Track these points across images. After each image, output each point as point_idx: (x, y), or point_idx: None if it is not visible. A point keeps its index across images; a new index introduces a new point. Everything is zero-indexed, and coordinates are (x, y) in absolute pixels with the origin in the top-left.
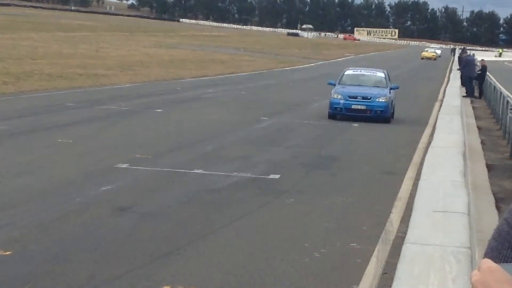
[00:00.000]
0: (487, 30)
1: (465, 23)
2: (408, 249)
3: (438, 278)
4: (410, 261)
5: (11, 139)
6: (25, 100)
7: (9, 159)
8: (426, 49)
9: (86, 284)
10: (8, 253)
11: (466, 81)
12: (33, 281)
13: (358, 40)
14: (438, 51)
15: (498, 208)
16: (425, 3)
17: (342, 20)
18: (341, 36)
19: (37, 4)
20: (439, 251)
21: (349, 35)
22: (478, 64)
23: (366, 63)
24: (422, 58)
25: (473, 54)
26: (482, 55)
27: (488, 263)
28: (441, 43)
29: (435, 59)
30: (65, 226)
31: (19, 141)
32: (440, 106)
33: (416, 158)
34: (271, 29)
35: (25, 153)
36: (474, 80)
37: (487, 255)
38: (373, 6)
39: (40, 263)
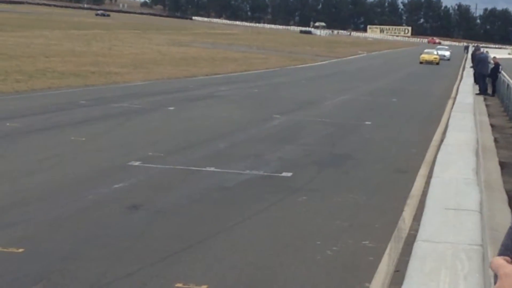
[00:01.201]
0: (501, 27)
1: (478, 21)
2: (419, 247)
3: (450, 276)
4: (421, 258)
5: (24, 137)
6: (38, 98)
7: (22, 157)
8: (426, 50)
9: (99, 281)
10: (20, 250)
11: (479, 78)
12: (45, 279)
13: (439, 42)
14: (447, 53)
15: (511, 206)
16: (438, 1)
17: (355, 17)
18: (354, 35)
19: (50, 2)
20: (451, 249)
21: (432, 39)
22: (491, 61)
23: (380, 60)
24: (421, 62)
25: (487, 52)
26: (495, 52)
27: (504, 269)
28: (454, 41)
29: (437, 63)
30: (78, 223)
31: (32, 139)
32: (453, 103)
33: (429, 156)
34: (283, 26)
35: (38, 151)
36: (487, 78)
37: (501, 254)
38: (386, 4)
39: (52, 260)
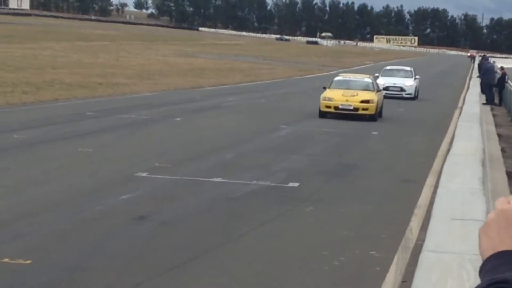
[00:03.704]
0: (507, 37)
1: (485, 30)
2: (426, 257)
3: (456, 286)
4: (428, 268)
5: (31, 148)
6: (46, 109)
7: (29, 169)
8: (340, 77)
9: None
10: (28, 261)
11: (485, 88)
12: None
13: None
14: (407, 81)
15: None
16: (445, 11)
17: (361, 28)
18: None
19: (58, 14)
20: (457, 259)
21: (471, 53)
22: (498, 71)
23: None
24: (324, 112)
25: (494, 62)
26: (502, 62)
27: (503, 205)
28: (460, 51)
29: (372, 115)
30: (85, 234)
31: (40, 150)
32: (460, 113)
33: (436, 165)
34: (290, 37)
35: (45, 162)
36: (494, 87)
37: None
38: (393, 14)
39: (59, 271)
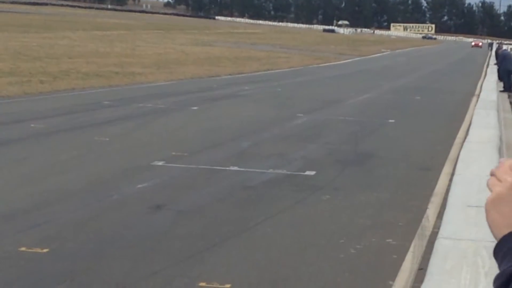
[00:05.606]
0: None
1: (502, 18)
2: (441, 244)
3: (471, 273)
4: (443, 256)
5: (48, 137)
6: (62, 98)
7: (46, 158)
8: None
9: (123, 281)
10: (45, 250)
11: (503, 75)
12: (70, 279)
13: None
14: None
15: None
16: None
17: (378, 16)
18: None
19: (74, 3)
20: (472, 246)
21: (476, 42)
22: None
23: (404, 58)
24: None
25: (511, 49)
26: None
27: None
28: (478, 38)
29: None
30: (102, 223)
31: (56, 139)
32: (477, 101)
33: (453, 153)
34: (307, 25)
35: (62, 151)
36: None
37: None
38: (410, 1)
39: (76, 260)
